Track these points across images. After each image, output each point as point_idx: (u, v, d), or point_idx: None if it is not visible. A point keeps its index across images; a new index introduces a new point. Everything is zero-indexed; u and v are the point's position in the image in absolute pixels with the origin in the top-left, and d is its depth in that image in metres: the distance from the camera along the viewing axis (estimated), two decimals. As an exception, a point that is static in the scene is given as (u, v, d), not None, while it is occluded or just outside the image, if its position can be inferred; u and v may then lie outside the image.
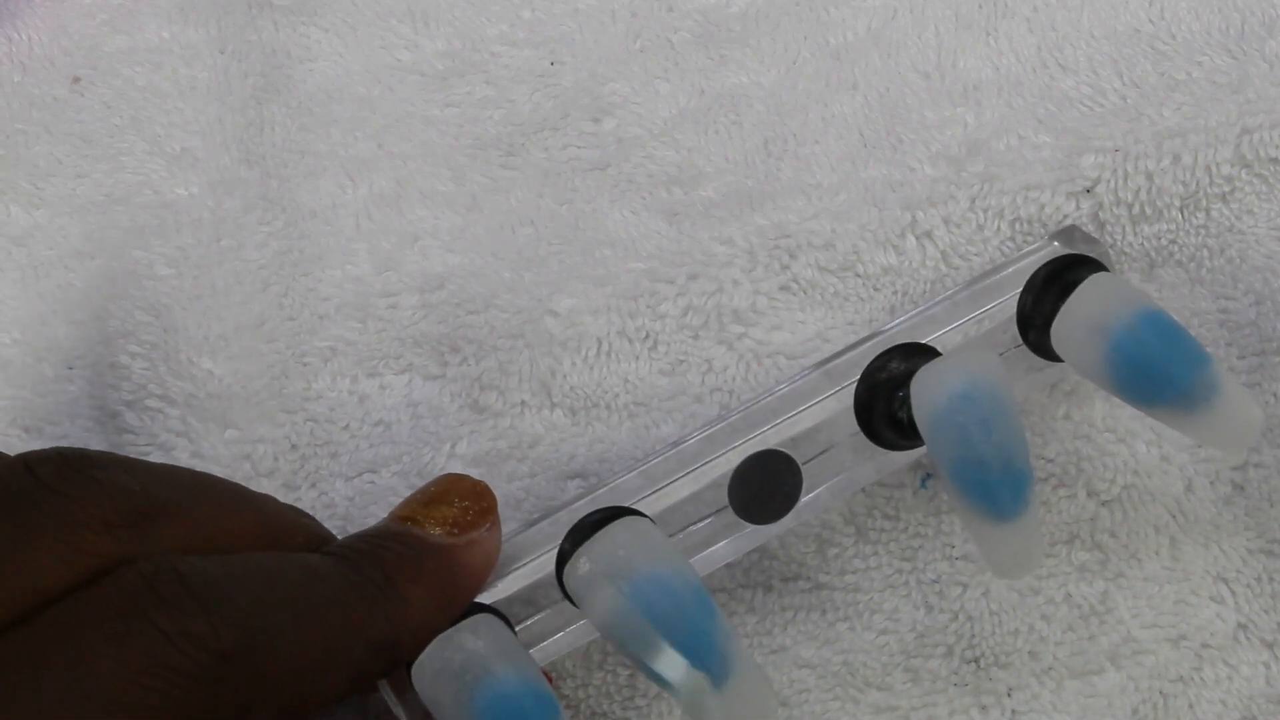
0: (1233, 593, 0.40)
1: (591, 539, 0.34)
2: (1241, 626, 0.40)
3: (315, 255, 0.45)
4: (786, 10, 0.48)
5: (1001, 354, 0.38)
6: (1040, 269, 0.38)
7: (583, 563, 0.34)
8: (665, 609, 0.33)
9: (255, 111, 0.47)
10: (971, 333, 0.38)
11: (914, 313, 0.39)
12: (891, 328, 0.39)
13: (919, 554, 0.41)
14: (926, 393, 0.35)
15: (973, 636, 0.40)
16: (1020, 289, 0.38)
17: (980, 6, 0.47)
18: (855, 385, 0.38)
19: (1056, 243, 0.39)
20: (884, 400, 0.37)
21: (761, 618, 0.41)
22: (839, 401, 0.38)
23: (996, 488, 0.34)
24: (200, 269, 0.44)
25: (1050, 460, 0.41)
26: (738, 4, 0.48)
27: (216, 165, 0.46)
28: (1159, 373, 0.35)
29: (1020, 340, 0.38)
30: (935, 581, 0.41)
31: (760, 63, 0.47)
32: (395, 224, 0.45)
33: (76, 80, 0.48)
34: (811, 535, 0.41)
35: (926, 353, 0.38)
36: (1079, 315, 0.36)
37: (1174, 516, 0.41)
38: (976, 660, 0.40)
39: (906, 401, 0.36)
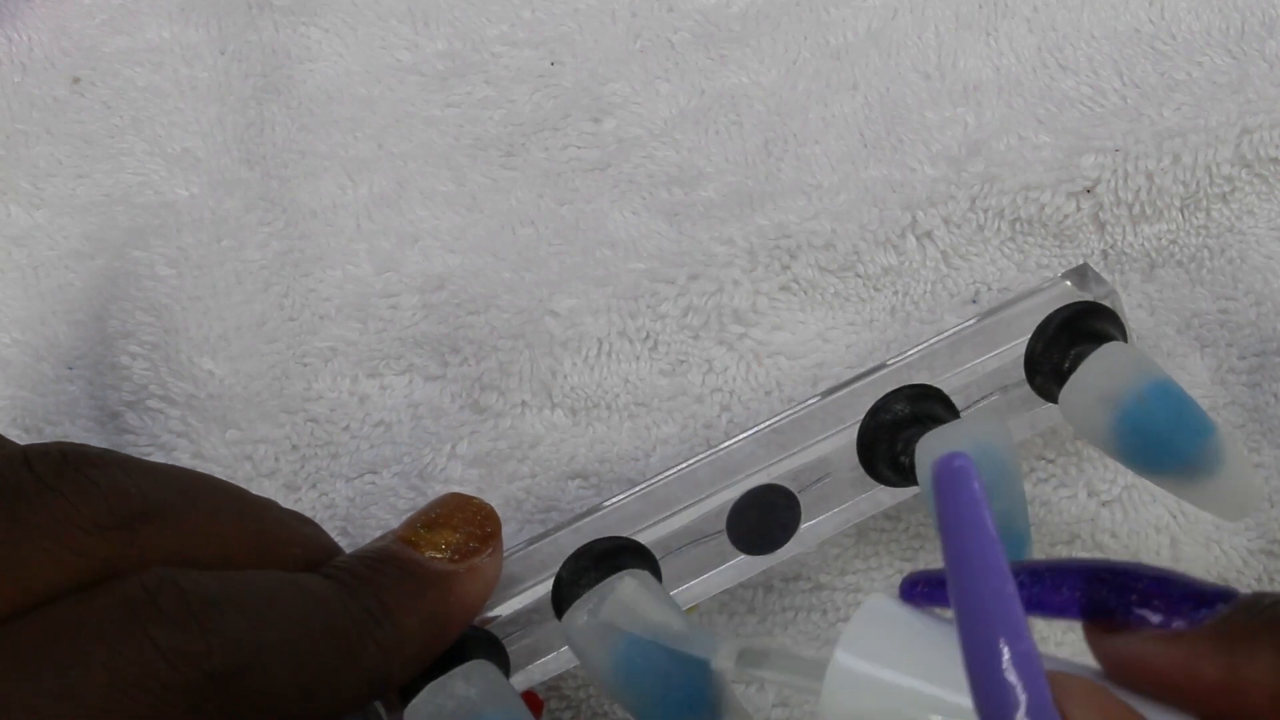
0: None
1: (590, 594, 0.35)
2: (1242, 627, 0.40)
3: (316, 255, 0.45)
4: (786, 10, 0.48)
5: (1005, 386, 0.38)
6: (1052, 316, 0.38)
7: (580, 616, 0.34)
8: (659, 665, 0.33)
9: (255, 112, 0.47)
10: (979, 372, 0.38)
11: (922, 346, 0.39)
12: (898, 361, 0.38)
13: (919, 554, 0.41)
14: (932, 458, 0.35)
15: (973, 637, 0.40)
16: (1029, 334, 0.38)
17: (980, 6, 0.47)
18: (859, 423, 0.38)
19: (1069, 282, 0.39)
20: (887, 442, 0.37)
21: (762, 618, 0.41)
22: (842, 436, 0.38)
23: None
24: (201, 269, 0.44)
25: (1051, 460, 0.41)
26: (738, 4, 0.48)
27: (217, 165, 0.46)
28: (1164, 443, 0.35)
29: (1025, 380, 0.38)
30: (936, 582, 0.41)
31: (760, 63, 0.47)
32: (395, 224, 0.45)
33: (76, 80, 0.48)
34: (812, 535, 0.41)
35: (933, 396, 0.38)
36: (1087, 386, 0.36)
37: (1174, 517, 0.41)
38: (977, 660, 0.40)
39: (909, 445, 0.37)
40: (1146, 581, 0.27)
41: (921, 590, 0.28)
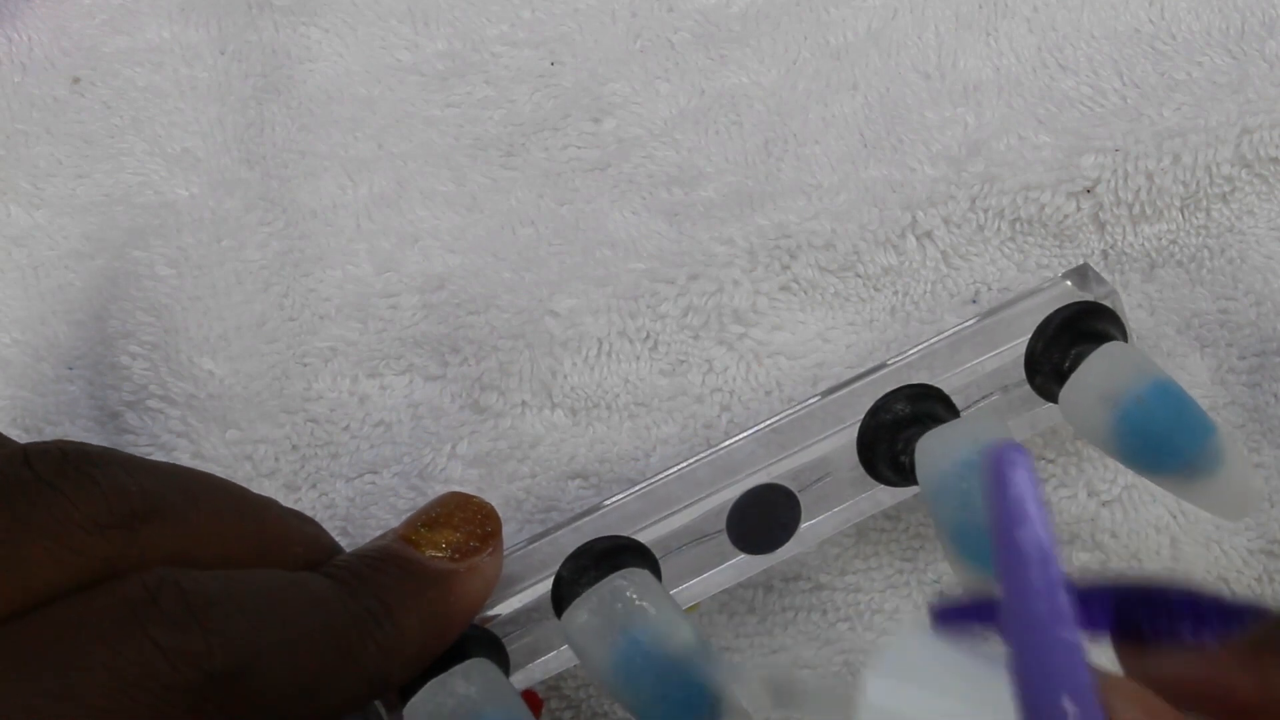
0: (1233, 593, 0.40)
1: (590, 592, 0.35)
2: (1242, 626, 0.40)
3: (316, 255, 0.45)
4: (786, 10, 0.48)
5: (1006, 386, 0.38)
6: (1052, 316, 0.38)
7: (580, 615, 0.34)
8: (659, 664, 0.33)
9: (255, 111, 0.47)
10: (979, 372, 0.38)
11: (922, 346, 0.39)
12: (898, 361, 0.38)
13: (919, 554, 0.41)
14: (931, 458, 0.35)
15: (973, 636, 0.40)
16: (1029, 334, 0.38)
17: (980, 6, 0.47)
18: (860, 422, 0.38)
19: (1069, 282, 0.39)
20: (887, 442, 0.37)
21: (762, 618, 0.41)
22: (842, 435, 0.38)
23: None
24: (201, 269, 0.44)
25: (1051, 460, 0.41)
26: (738, 4, 0.48)
27: (217, 165, 0.46)
28: (1164, 444, 0.35)
29: (1026, 380, 0.38)
30: (936, 582, 0.41)
31: (760, 63, 0.47)
32: (395, 224, 0.45)
33: (76, 80, 0.48)
34: (812, 535, 0.41)
35: (933, 396, 0.38)
36: (1087, 385, 0.36)
37: (1174, 517, 0.41)
38: (977, 660, 0.40)
39: (909, 445, 0.37)
40: (1176, 599, 0.27)
41: (951, 617, 0.28)
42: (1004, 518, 0.24)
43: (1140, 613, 0.27)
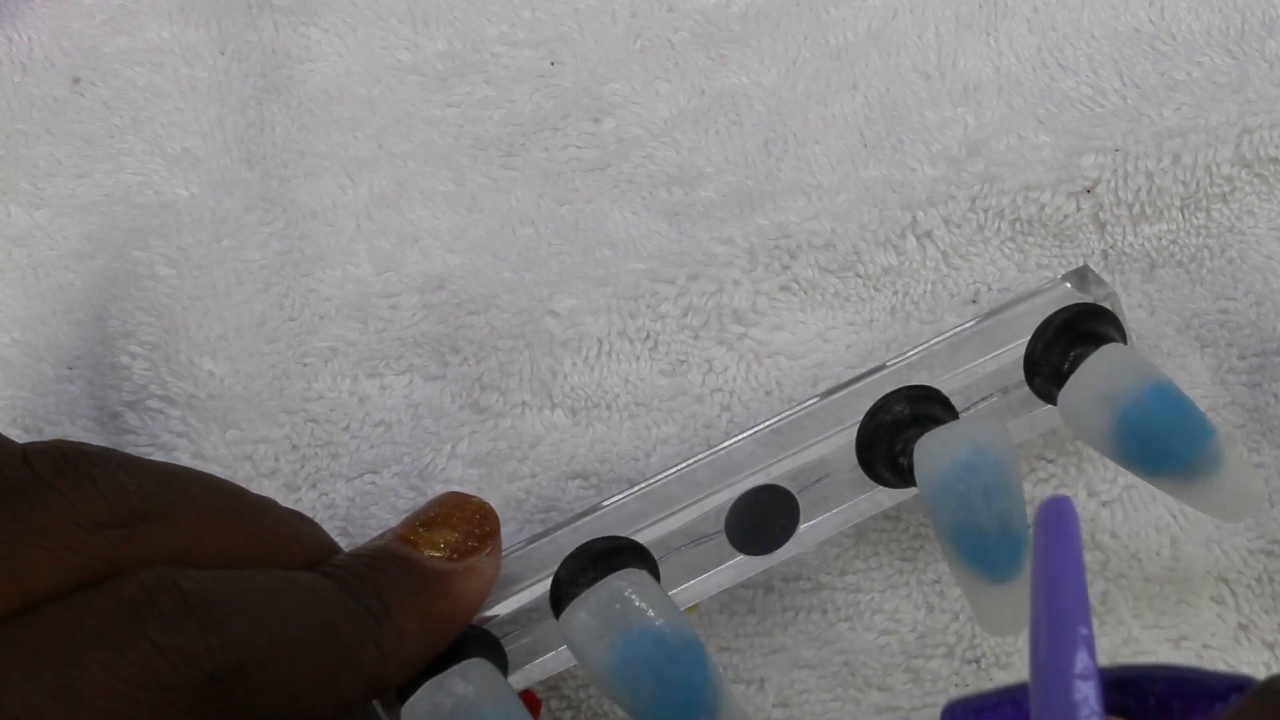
0: (1233, 593, 0.40)
1: (588, 592, 0.35)
2: (1242, 627, 0.40)
3: (316, 255, 0.45)
4: (786, 10, 0.48)
5: (1006, 388, 0.38)
6: (1052, 318, 0.38)
7: (579, 614, 0.34)
8: (657, 664, 0.33)
9: (255, 112, 0.47)
10: (979, 373, 0.38)
11: (922, 347, 0.39)
12: (898, 362, 0.38)
13: (920, 554, 0.41)
14: (930, 459, 0.35)
15: (973, 637, 0.40)
16: (1029, 335, 0.38)
17: (980, 6, 0.47)
18: (859, 424, 0.38)
19: (1069, 284, 0.39)
20: (885, 443, 0.37)
21: (762, 618, 0.41)
22: (841, 436, 0.38)
23: (993, 552, 0.35)
24: (201, 269, 0.44)
25: (1051, 461, 0.41)
26: (738, 4, 0.48)
27: (217, 165, 0.46)
28: (1163, 446, 0.35)
29: (1025, 382, 0.38)
30: (936, 582, 0.41)
31: (760, 63, 0.47)
32: (395, 224, 0.45)
33: (76, 80, 0.48)
34: (812, 535, 0.41)
35: (932, 397, 0.38)
36: (1086, 387, 0.36)
37: (1174, 517, 0.41)
38: (977, 660, 0.40)
39: (908, 446, 0.37)
40: (1162, 684, 0.27)
41: (959, 717, 0.29)
42: (1046, 586, 0.24)
43: (1129, 700, 0.27)
